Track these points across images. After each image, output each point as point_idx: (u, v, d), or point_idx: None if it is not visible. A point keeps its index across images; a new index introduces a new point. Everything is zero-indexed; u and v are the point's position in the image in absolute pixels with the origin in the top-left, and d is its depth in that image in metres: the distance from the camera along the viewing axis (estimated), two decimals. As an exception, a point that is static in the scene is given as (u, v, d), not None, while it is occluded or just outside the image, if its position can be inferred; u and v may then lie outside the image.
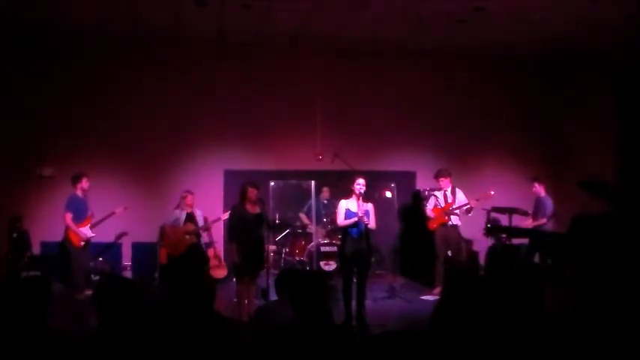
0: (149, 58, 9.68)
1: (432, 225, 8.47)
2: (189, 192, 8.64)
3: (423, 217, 8.68)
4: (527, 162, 10.46)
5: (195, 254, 8.61)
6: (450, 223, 8.35)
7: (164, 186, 9.63)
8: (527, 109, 10.58)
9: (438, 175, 8.54)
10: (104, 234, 8.63)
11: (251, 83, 9.83)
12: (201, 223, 8.65)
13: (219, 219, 8.58)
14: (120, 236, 8.64)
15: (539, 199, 8.86)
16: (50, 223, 8.72)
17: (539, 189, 8.89)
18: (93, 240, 8.21)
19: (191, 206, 8.63)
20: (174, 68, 9.72)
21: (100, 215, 8.24)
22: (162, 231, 8.76)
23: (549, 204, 8.78)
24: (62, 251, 8.20)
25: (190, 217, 8.59)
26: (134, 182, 9.66)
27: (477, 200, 8.36)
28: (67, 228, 7.93)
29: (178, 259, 8.45)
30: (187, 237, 8.51)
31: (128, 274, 9.33)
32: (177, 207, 8.68)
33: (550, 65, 10.50)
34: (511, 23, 8.36)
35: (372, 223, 6.61)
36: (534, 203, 8.91)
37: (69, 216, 7.90)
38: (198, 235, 8.63)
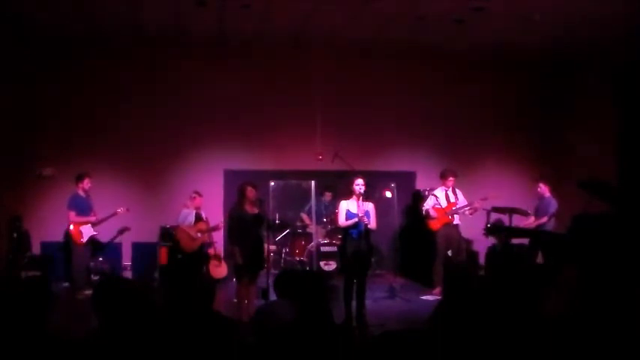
0: (149, 58, 9.67)
1: (436, 225, 8.45)
2: (198, 193, 8.74)
3: (422, 216, 8.68)
4: (527, 162, 10.46)
5: (205, 254, 8.95)
6: (452, 222, 8.38)
7: (164, 186, 9.65)
8: (527, 108, 10.57)
9: (447, 174, 8.49)
10: (104, 234, 8.63)
11: (251, 83, 9.82)
12: None
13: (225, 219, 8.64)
14: (122, 231, 8.60)
15: (544, 199, 8.77)
16: (50, 223, 8.73)
17: (545, 189, 8.82)
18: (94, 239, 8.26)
19: (199, 207, 8.77)
20: (174, 68, 9.70)
21: (102, 215, 8.27)
22: (178, 230, 8.75)
23: (554, 204, 8.71)
24: (65, 250, 8.26)
25: (199, 217, 8.75)
26: (134, 182, 9.66)
27: (484, 199, 8.39)
28: (71, 225, 7.97)
29: (192, 255, 8.68)
30: (199, 235, 8.67)
31: (128, 274, 9.33)
32: (186, 206, 8.77)
33: (550, 65, 10.49)
34: (511, 23, 8.35)
35: (372, 224, 6.61)
36: (537, 202, 8.84)
37: (72, 214, 7.98)
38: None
